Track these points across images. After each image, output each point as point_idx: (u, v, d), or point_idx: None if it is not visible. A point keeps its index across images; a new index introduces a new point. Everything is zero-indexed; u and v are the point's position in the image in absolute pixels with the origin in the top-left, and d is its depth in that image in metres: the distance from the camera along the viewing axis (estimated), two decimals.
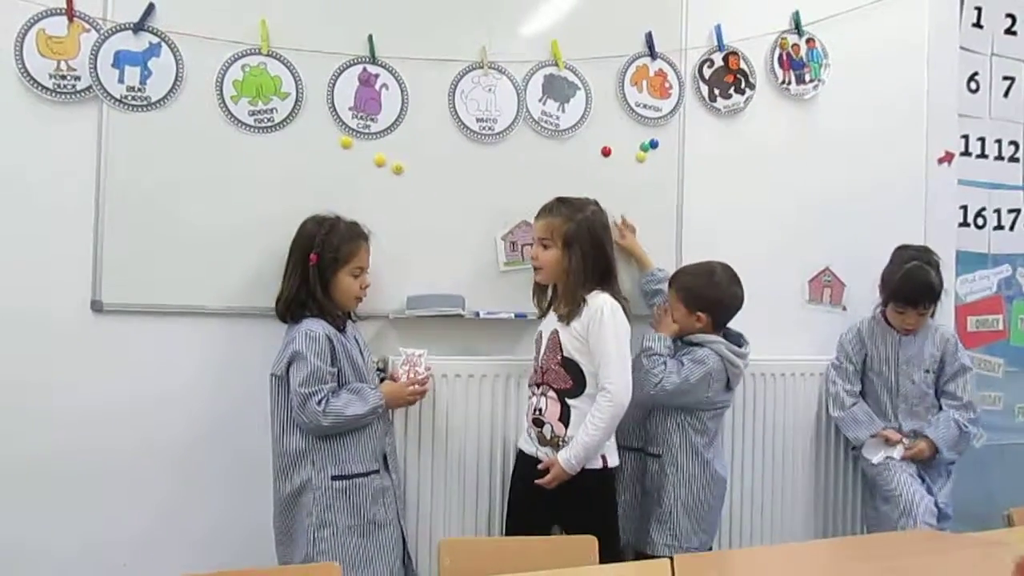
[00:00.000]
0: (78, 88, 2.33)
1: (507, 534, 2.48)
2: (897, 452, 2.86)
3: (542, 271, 2.45)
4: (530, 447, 2.44)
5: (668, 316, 2.63)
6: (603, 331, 2.32)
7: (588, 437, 2.30)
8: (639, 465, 2.63)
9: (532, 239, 2.52)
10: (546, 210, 2.45)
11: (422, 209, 2.62)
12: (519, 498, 2.47)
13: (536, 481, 2.34)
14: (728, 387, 2.62)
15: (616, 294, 2.41)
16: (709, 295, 2.60)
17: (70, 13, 2.31)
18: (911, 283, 2.84)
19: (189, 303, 2.42)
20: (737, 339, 2.64)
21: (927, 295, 2.84)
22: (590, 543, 1.91)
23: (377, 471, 2.28)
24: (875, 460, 2.87)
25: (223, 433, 2.44)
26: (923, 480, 2.87)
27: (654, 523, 2.58)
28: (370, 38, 2.56)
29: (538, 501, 2.37)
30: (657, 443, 2.60)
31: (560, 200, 2.45)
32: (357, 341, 2.35)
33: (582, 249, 2.38)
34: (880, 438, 2.89)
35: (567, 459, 2.30)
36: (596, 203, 2.46)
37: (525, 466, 2.45)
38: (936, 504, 2.84)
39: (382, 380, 2.41)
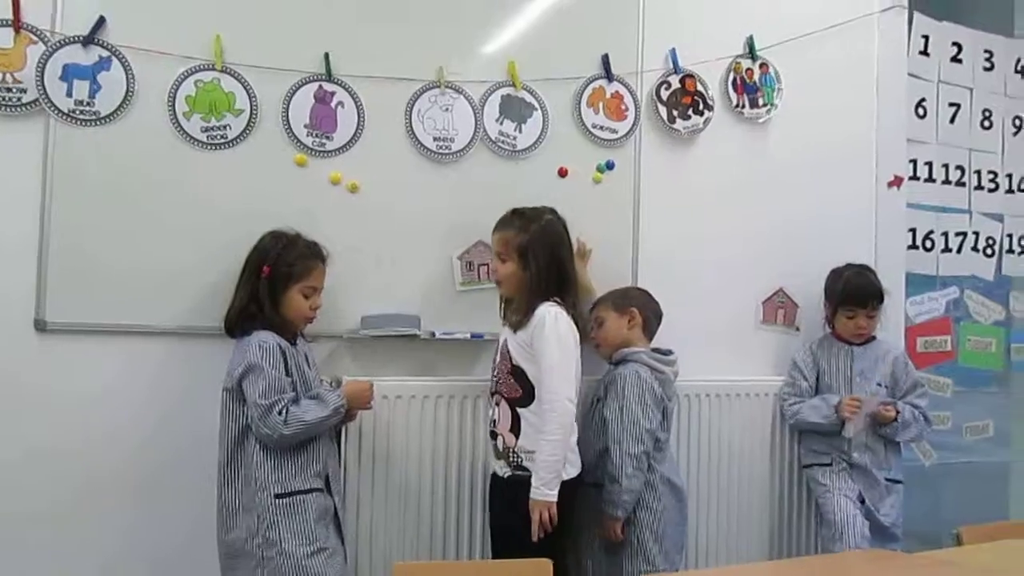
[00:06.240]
0: (24, 101, 2.27)
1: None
2: (861, 422, 2.86)
3: (502, 285, 2.44)
4: (492, 465, 2.42)
5: (602, 331, 2.67)
6: (544, 340, 2.29)
7: (545, 455, 2.25)
8: (599, 498, 2.55)
9: (490, 256, 2.51)
10: (501, 223, 2.44)
11: (378, 228, 2.60)
12: (493, 522, 2.46)
13: (533, 525, 2.23)
14: (665, 395, 2.62)
15: (572, 305, 2.39)
16: (635, 294, 2.74)
17: (17, 25, 2.26)
18: (856, 284, 2.99)
19: (138, 322, 2.37)
20: (665, 352, 2.67)
21: (872, 293, 2.98)
22: (544, 567, 1.90)
23: (321, 489, 2.24)
24: (852, 434, 2.87)
25: (177, 456, 2.38)
26: (863, 502, 2.90)
27: (625, 556, 2.55)
28: (326, 56, 2.54)
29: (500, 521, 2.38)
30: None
31: (515, 212, 2.44)
32: (307, 357, 2.32)
33: (536, 260, 2.36)
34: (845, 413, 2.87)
35: (535, 490, 2.24)
36: (553, 211, 2.45)
37: (492, 486, 2.45)
38: (880, 525, 2.87)
39: None
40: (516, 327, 2.36)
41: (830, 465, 2.96)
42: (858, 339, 3.01)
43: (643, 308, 2.69)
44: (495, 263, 2.45)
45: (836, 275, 3.06)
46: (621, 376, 2.58)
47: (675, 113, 3.00)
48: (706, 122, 3.05)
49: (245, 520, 2.16)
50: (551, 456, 2.25)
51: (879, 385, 2.98)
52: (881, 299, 2.99)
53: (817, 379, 3.03)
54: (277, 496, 2.15)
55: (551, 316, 2.31)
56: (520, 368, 2.34)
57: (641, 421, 2.52)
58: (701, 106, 3.04)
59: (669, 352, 2.67)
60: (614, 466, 2.50)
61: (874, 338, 3.04)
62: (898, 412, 2.90)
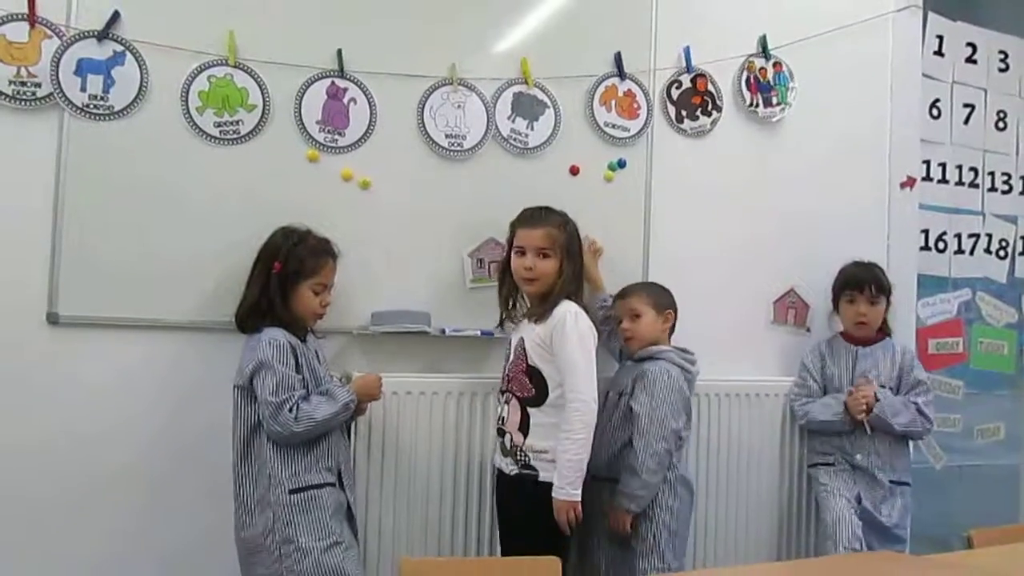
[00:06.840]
0: (39, 95, 2.28)
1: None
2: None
3: (537, 282, 2.38)
4: (498, 462, 2.43)
5: (637, 326, 2.64)
6: (567, 340, 2.28)
7: (571, 455, 2.24)
8: (614, 493, 2.53)
9: (524, 248, 2.38)
10: (538, 219, 2.40)
11: (389, 224, 2.61)
12: (499, 518, 2.47)
13: (561, 526, 2.24)
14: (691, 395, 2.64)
15: (581, 302, 2.40)
16: (669, 294, 2.71)
17: (32, 19, 2.27)
18: (856, 269, 3.03)
19: (150, 316, 2.37)
20: (688, 352, 2.67)
21: (873, 278, 2.98)
22: (553, 564, 1.90)
23: (333, 484, 2.24)
24: (870, 431, 2.88)
25: (188, 451, 2.39)
26: (860, 501, 2.87)
27: (639, 553, 2.52)
28: (339, 52, 2.55)
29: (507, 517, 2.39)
30: None
31: (544, 209, 2.44)
32: (317, 354, 2.32)
33: (576, 258, 2.40)
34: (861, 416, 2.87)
35: (560, 490, 2.24)
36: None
37: (497, 483, 2.45)
38: (882, 526, 2.85)
39: None
40: (537, 320, 2.35)
41: (832, 465, 2.94)
42: (860, 329, 2.98)
43: (674, 308, 2.69)
44: (532, 259, 2.36)
45: (841, 271, 3.07)
46: (652, 372, 2.55)
47: (683, 113, 2.99)
48: (713, 123, 3.04)
49: (261, 517, 2.16)
50: (576, 456, 2.24)
51: (883, 387, 2.95)
52: (881, 287, 2.98)
53: (824, 383, 3.02)
54: (291, 491, 2.16)
55: (571, 315, 2.31)
56: (536, 368, 2.33)
57: (668, 420, 2.50)
58: (710, 106, 3.03)
59: (691, 352, 2.67)
60: (636, 459, 2.47)
61: (884, 338, 3.03)
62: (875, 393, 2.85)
